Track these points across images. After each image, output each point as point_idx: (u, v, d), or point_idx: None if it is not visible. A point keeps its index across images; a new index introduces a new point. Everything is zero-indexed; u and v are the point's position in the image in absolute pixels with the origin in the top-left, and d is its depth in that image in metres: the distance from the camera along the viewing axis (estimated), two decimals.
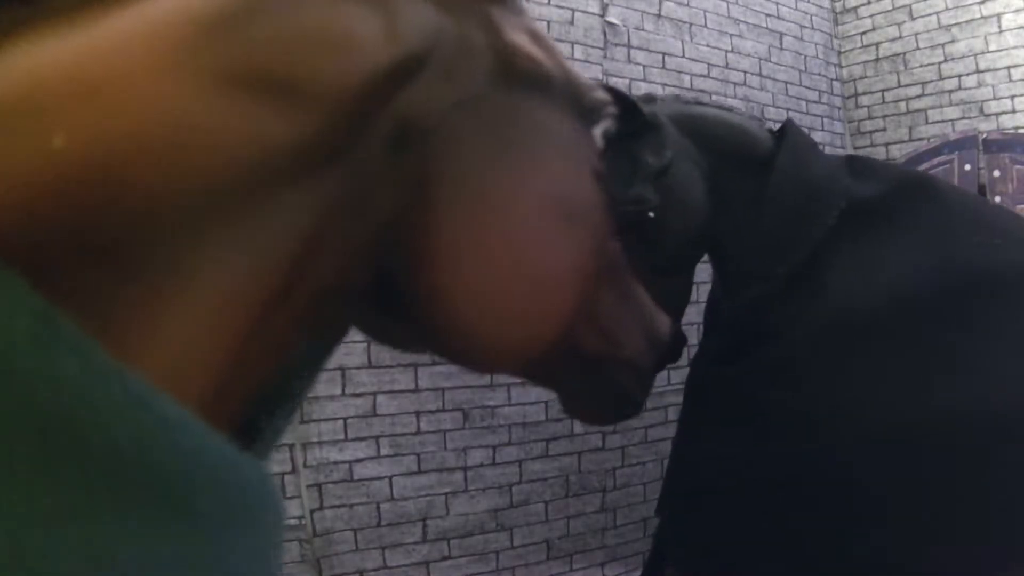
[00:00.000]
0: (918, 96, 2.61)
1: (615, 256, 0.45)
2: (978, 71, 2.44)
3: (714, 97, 2.40)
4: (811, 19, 2.73)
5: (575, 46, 2.12)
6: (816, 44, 2.73)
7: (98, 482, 0.19)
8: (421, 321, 0.35)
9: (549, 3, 2.08)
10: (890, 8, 2.67)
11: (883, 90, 2.71)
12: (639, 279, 1.24)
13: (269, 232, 0.26)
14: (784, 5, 2.64)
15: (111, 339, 0.20)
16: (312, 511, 1.74)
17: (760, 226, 1.13)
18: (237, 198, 0.24)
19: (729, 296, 1.27)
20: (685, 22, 2.37)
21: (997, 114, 2.39)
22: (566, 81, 0.39)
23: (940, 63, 2.54)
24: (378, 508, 1.82)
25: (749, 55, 2.50)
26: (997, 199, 2.25)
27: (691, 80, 2.35)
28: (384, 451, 1.82)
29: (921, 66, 2.59)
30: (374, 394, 1.81)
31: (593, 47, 2.16)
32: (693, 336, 1.60)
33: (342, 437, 1.78)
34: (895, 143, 2.67)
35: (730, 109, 1.28)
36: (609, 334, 0.46)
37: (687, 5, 2.37)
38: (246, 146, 0.24)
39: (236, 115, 0.24)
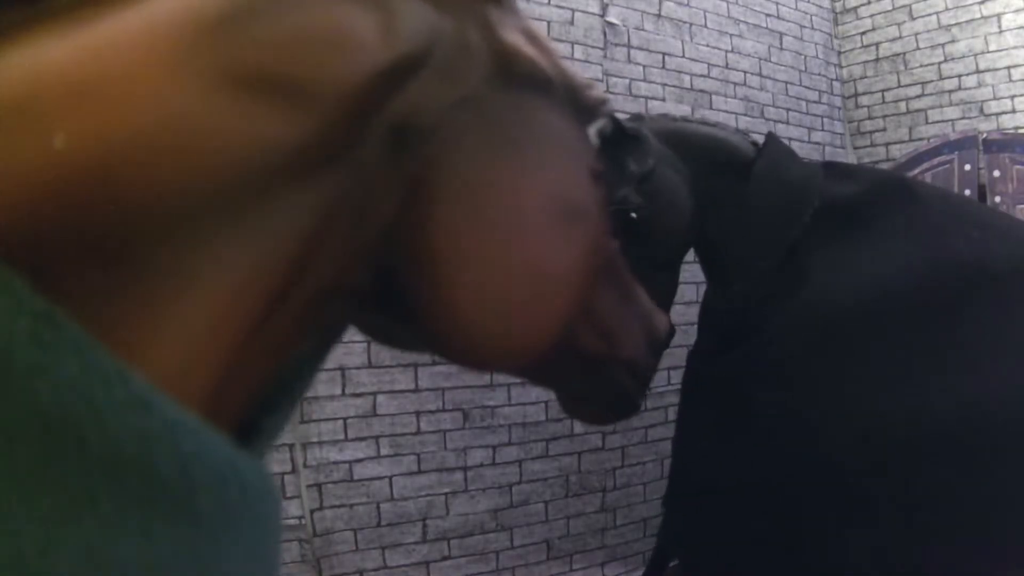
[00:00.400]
0: (918, 96, 2.61)
1: (614, 254, 0.46)
2: (978, 71, 2.44)
3: (714, 97, 2.40)
4: (811, 19, 2.73)
5: (575, 46, 2.12)
6: (816, 44, 2.73)
7: (98, 481, 0.19)
8: (423, 320, 0.35)
9: (549, 3, 2.08)
10: (890, 8, 2.67)
11: (883, 90, 2.71)
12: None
13: (269, 233, 0.26)
14: (784, 5, 2.64)
15: (112, 339, 0.20)
16: (312, 511, 1.74)
17: (741, 227, 1.22)
18: (237, 199, 0.24)
19: (715, 293, 1.34)
20: (685, 22, 2.36)
21: (997, 114, 2.39)
22: (563, 80, 0.40)
23: (940, 63, 2.54)
24: (378, 508, 1.82)
25: (749, 55, 2.50)
26: (997, 199, 2.25)
27: (691, 80, 2.35)
28: (384, 451, 1.82)
29: (921, 66, 2.59)
30: (374, 394, 1.81)
31: (593, 47, 2.16)
32: (694, 336, 1.60)
33: (342, 437, 1.78)
34: (895, 143, 2.67)
35: (715, 124, 1.37)
36: (609, 333, 0.46)
37: (687, 5, 2.37)
38: (247, 147, 0.24)
39: (237, 115, 0.24)
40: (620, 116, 1.32)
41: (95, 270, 0.21)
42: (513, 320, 0.37)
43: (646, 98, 2.24)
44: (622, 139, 1.22)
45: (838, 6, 2.83)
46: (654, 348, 0.52)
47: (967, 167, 2.33)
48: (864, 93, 2.77)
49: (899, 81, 2.66)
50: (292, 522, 1.71)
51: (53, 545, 0.17)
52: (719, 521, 1.17)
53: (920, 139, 2.57)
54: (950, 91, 2.51)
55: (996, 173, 2.28)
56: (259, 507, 0.25)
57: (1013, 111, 2.35)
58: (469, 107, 0.33)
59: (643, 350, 0.51)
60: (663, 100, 2.28)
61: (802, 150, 2.01)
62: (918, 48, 2.60)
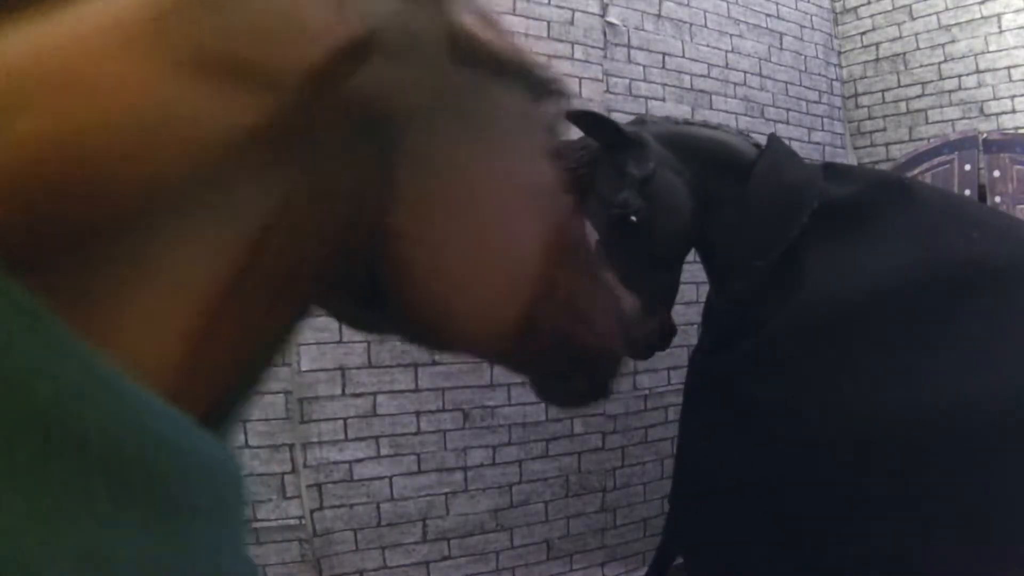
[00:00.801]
0: (918, 96, 2.61)
1: (580, 234, 0.46)
2: (978, 71, 2.44)
3: (714, 97, 2.40)
4: (811, 19, 2.73)
5: (575, 46, 2.12)
6: (816, 44, 2.73)
7: (93, 472, 0.20)
8: (394, 301, 0.35)
9: (549, 3, 2.08)
10: (890, 8, 2.67)
11: (883, 90, 2.71)
12: (630, 274, 1.27)
13: (234, 212, 0.26)
14: (784, 5, 2.64)
15: (83, 327, 0.21)
16: (312, 511, 1.74)
17: (741, 227, 1.23)
18: (201, 181, 0.25)
19: (716, 293, 1.35)
20: (685, 22, 2.36)
21: (997, 114, 2.39)
22: (518, 61, 0.40)
23: (940, 63, 2.54)
24: (378, 508, 1.82)
25: (749, 55, 2.50)
26: (997, 199, 2.25)
27: (691, 80, 2.35)
28: (384, 451, 1.82)
29: (921, 66, 2.59)
30: (374, 394, 1.81)
31: (593, 47, 2.16)
32: (694, 336, 1.60)
33: (342, 437, 1.78)
34: (895, 143, 2.67)
35: (716, 127, 1.38)
36: (579, 314, 0.46)
37: (687, 5, 2.37)
38: (210, 130, 0.25)
39: (200, 100, 0.24)
40: (622, 119, 1.34)
41: (67, 258, 0.22)
42: (483, 295, 0.37)
43: (646, 98, 2.24)
44: (623, 143, 1.23)
45: (838, 6, 2.83)
46: (624, 330, 0.52)
47: (967, 167, 2.33)
48: (864, 93, 2.77)
49: (899, 81, 2.66)
50: (292, 522, 1.71)
51: (12, 506, 0.18)
52: (720, 520, 1.18)
53: (920, 139, 2.57)
54: (950, 91, 2.51)
55: (996, 173, 2.28)
56: (224, 486, 0.25)
57: (1013, 111, 2.35)
58: (430, 90, 0.33)
59: (613, 331, 0.50)
60: (663, 100, 2.28)
61: (802, 150, 2.01)
62: (918, 48, 2.60)
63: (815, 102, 2.70)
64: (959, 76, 2.48)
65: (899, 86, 2.66)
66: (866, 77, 2.77)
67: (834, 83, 2.78)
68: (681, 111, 2.24)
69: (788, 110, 2.59)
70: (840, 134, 2.78)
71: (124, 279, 0.24)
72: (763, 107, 2.51)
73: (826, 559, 1.02)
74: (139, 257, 0.24)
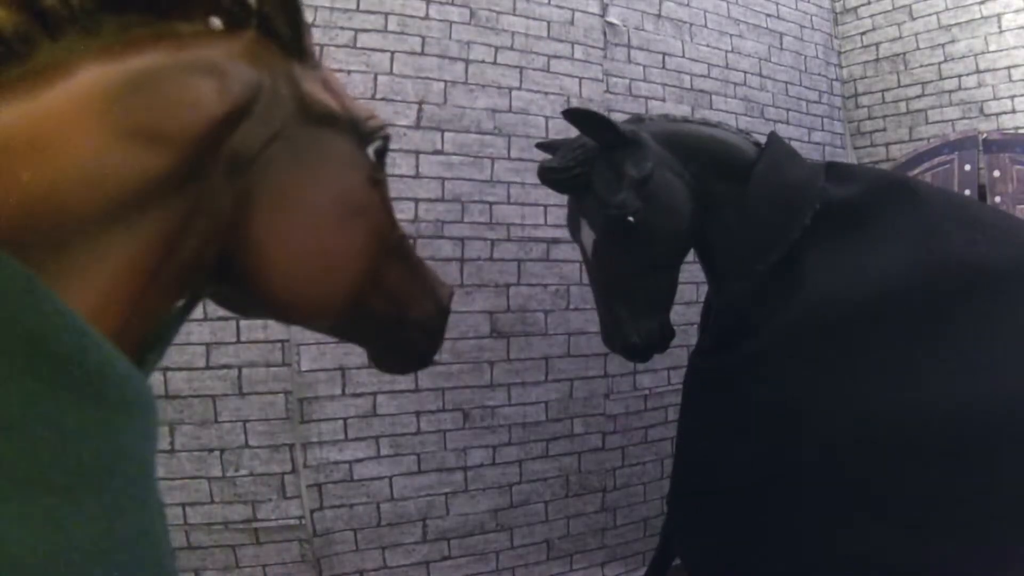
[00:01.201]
0: (918, 96, 2.61)
1: (399, 242, 0.63)
2: (978, 71, 2.44)
3: (714, 97, 2.40)
4: (811, 19, 2.73)
5: (575, 46, 2.12)
6: (816, 44, 2.73)
7: (54, 374, 0.32)
8: (252, 289, 0.51)
9: (549, 3, 2.08)
10: (890, 8, 2.67)
11: (883, 90, 2.71)
12: (627, 276, 1.28)
13: (150, 227, 0.41)
14: (784, 5, 2.64)
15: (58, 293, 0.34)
16: (312, 511, 1.74)
17: (741, 228, 1.21)
18: (128, 207, 0.39)
19: (715, 294, 1.33)
20: (685, 22, 2.36)
21: (997, 114, 2.39)
22: (348, 115, 0.56)
23: (940, 63, 2.53)
24: (378, 508, 1.82)
25: (749, 55, 2.50)
26: (997, 199, 2.25)
27: (691, 80, 2.35)
28: (384, 451, 1.82)
29: (921, 66, 2.59)
30: (374, 394, 1.81)
31: (593, 47, 2.16)
32: (694, 336, 1.60)
33: (342, 437, 1.78)
34: (895, 143, 2.67)
35: (716, 124, 1.35)
36: (398, 299, 0.63)
37: (687, 5, 2.37)
38: (134, 176, 0.39)
39: (128, 156, 0.39)
40: (621, 119, 1.32)
41: (45, 252, 0.35)
42: (313, 288, 0.53)
43: (646, 98, 2.24)
44: (620, 143, 1.21)
45: (838, 6, 2.83)
46: (441, 313, 0.69)
47: (967, 167, 2.33)
48: (864, 93, 2.77)
49: (899, 81, 2.66)
50: (292, 522, 1.71)
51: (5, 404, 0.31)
52: (720, 521, 1.17)
53: (920, 139, 2.57)
54: (950, 91, 2.51)
55: (996, 173, 2.28)
56: (146, 408, 0.39)
57: (1013, 111, 2.35)
58: (279, 139, 0.49)
59: (431, 312, 0.67)
60: (663, 100, 2.27)
61: (802, 150, 2.01)
62: (918, 48, 2.60)
63: (815, 102, 2.70)
64: (959, 76, 2.48)
65: (899, 86, 2.66)
66: (866, 77, 2.77)
67: (834, 83, 2.78)
68: (681, 111, 2.24)
69: (788, 110, 2.59)
70: (840, 134, 2.78)
71: (83, 266, 0.37)
72: (763, 107, 2.51)
73: (826, 559, 1.02)
74: (92, 252, 0.37)
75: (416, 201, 1.86)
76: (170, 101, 0.42)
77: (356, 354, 1.79)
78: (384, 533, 1.82)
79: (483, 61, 1.96)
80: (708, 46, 2.40)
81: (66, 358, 0.33)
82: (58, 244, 0.36)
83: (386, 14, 1.84)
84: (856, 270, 1.08)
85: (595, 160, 1.23)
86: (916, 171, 2.40)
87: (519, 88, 2.01)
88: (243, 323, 1.67)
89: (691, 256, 1.35)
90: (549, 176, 1.26)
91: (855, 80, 2.80)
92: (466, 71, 1.94)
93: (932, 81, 2.56)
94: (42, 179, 0.35)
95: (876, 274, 1.06)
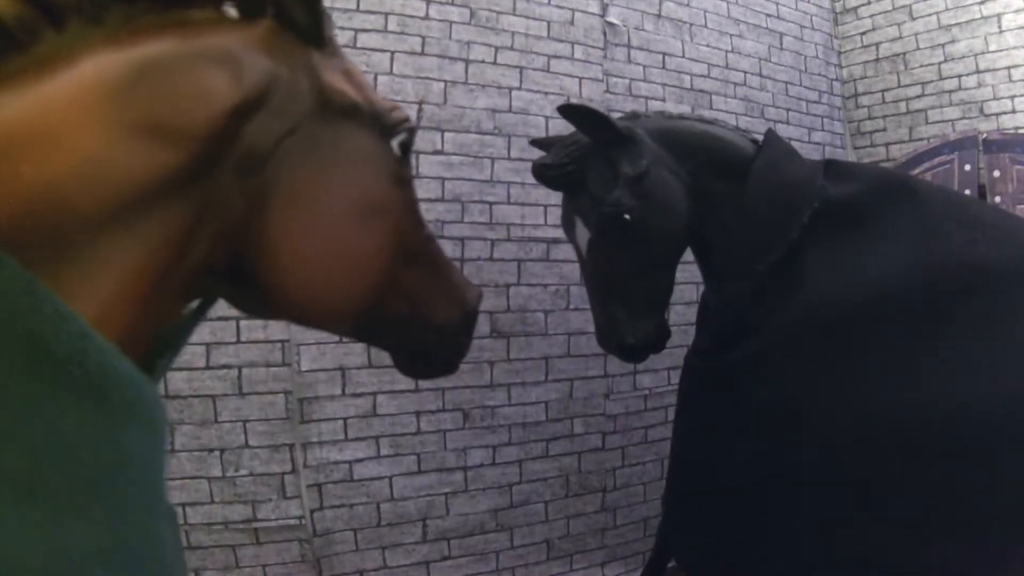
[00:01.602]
0: (918, 96, 2.61)
1: (422, 241, 0.59)
2: (978, 71, 2.44)
3: (714, 97, 2.40)
4: (811, 19, 2.73)
5: (575, 46, 2.12)
6: (816, 44, 2.73)
7: (56, 377, 0.31)
8: (265, 291, 0.48)
9: (549, 3, 2.08)
10: (890, 8, 2.67)
11: (883, 90, 2.71)
12: (623, 275, 1.26)
13: (157, 228, 0.39)
14: (784, 5, 2.64)
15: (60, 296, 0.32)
16: (312, 511, 1.74)
17: (739, 227, 1.20)
18: (136, 206, 0.37)
19: (713, 294, 1.32)
20: (685, 22, 2.36)
21: (997, 114, 2.39)
22: (370, 107, 0.52)
23: (940, 63, 2.53)
24: (378, 508, 1.82)
25: (749, 55, 2.50)
26: (997, 199, 2.25)
27: (691, 80, 2.35)
28: (384, 451, 1.82)
29: (921, 66, 2.59)
30: (374, 394, 1.81)
31: (593, 47, 2.16)
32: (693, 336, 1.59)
33: (342, 437, 1.78)
34: (895, 143, 2.67)
35: (713, 122, 1.33)
36: (418, 303, 0.59)
37: (687, 5, 2.37)
38: (141, 172, 0.37)
39: (133, 151, 0.36)
40: (616, 114, 1.31)
41: (47, 252, 0.33)
42: (329, 291, 0.50)
43: (646, 98, 2.24)
44: (616, 139, 1.20)
45: (838, 6, 2.83)
46: (466, 318, 0.65)
47: (967, 167, 2.33)
48: (864, 93, 2.77)
49: (899, 81, 2.66)
50: (292, 522, 1.71)
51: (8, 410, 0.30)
52: (718, 521, 1.17)
53: (920, 139, 2.57)
54: (950, 91, 2.51)
55: (996, 173, 2.28)
56: (151, 411, 0.37)
57: (1013, 111, 2.35)
58: (297, 134, 0.46)
59: (455, 317, 0.63)
60: (663, 100, 2.27)
61: (802, 150, 2.00)
62: (918, 48, 2.60)
63: (815, 102, 2.70)
64: (959, 76, 2.48)
65: (899, 86, 2.66)
66: (866, 77, 2.77)
67: (834, 83, 2.78)
68: (681, 111, 2.24)
69: (788, 110, 2.59)
70: (840, 134, 2.78)
71: (87, 267, 0.35)
72: (763, 107, 2.51)
73: (825, 559, 1.02)
74: (96, 252, 0.36)
75: None
76: (179, 93, 0.39)
77: (356, 354, 1.79)
78: (384, 533, 1.82)
79: (483, 61, 1.96)
80: (708, 46, 2.40)
81: (66, 360, 0.31)
82: (60, 243, 0.34)
83: (386, 14, 1.84)
84: (856, 270, 1.08)
85: (590, 157, 1.21)
86: (916, 171, 2.40)
87: (519, 88, 2.01)
88: (243, 323, 1.67)
89: (690, 256, 1.35)
90: (543, 173, 1.25)
91: (855, 80, 2.80)
92: (466, 71, 1.94)
93: (932, 81, 2.56)
94: (43, 175, 0.33)
95: (876, 274, 1.06)
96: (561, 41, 2.09)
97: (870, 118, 2.76)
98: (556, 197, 1.78)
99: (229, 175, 0.42)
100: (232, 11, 0.47)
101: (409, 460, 1.85)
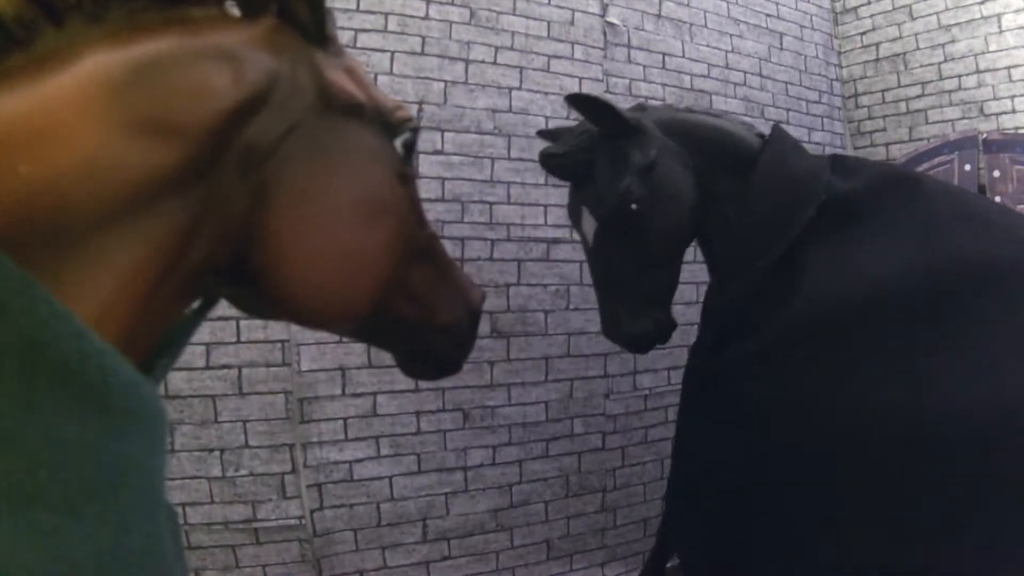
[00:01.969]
0: (918, 96, 2.61)
1: (426, 241, 0.58)
2: (978, 71, 2.44)
3: (714, 97, 2.40)
4: (811, 19, 2.73)
5: (575, 46, 2.12)
6: (816, 44, 2.73)
7: (51, 381, 0.30)
8: (268, 290, 0.47)
9: (549, 3, 2.08)
10: (890, 8, 2.67)
11: (883, 90, 2.71)
12: (627, 270, 1.25)
13: (158, 226, 0.38)
14: (784, 5, 2.64)
15: (57, 295, 0.31)
16: (312, 511, 1.74)
17: (744, 222, 1.19)
18: (136, 204, 0.36)
19: (716, 290, 1.31)
20: (685, 22, 2.36)
21: (997, 114, 2.39)
22: (374, 106, 0.52)
23: (940, 63, 2.53)
24: (378, 508, 1.82)
25: (749, 55, 2.50)
26: (997, 199, 2.25)
27: (691, 80, 2.35)
28: (384, 451, 1.82)
29: (921, 66, 2.59)
30: (374, 394, 1.81)
31: (593, 47, 2.16)
32: (694, 336, 1.60)
33: (342, 437, 1.78)
34: (895, 143, 2.67)
35: (720, 115, 1.32)
36: (424, 303, 0.58)
37: (687, 5, 2.37)
38: (141, 170, 0.36)
39: (134, 149, 0.36)
40: (623, 107, 1.29)
41: (45, 251, 0.33)
42: (332, 292, 0.49)
43: (646, 98, 2.24)
44: (624, 131, 1.19)
45: (838, 6, 2.83)
46: (471, 318, 0.65)
47: (967, 167, 2.33)
48: (864, 93, 2.77)
49: (899, 81, 2.66)
50: (292, 522, 1.71)
51: (12, 418, 0.29)
52: (718, 520, 1.17)
53: (920, 139, 2.57)
54: (950, 91, 2.51)
55: (996, 173, 2.28)
56: (151, 412, 0.36)
57: (1013, 111, 2.35)
58: (299, 131, 0.45)
59: (460, 317, 0.63)
60: (663, 100, 2.27)
61: None
62: (918, 48, 2.60)
63: (815, 102, 2.70)
64: (959, 76, 2.48)
65: (899, 86, 2.66)
66: (866, 77, 2.77)
67: (834, 83, 2.78)
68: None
69: (788, 110, 2.59)
70: (840, 134, 2.78)
71: (85, 267, 0.34)
72: (763, 107, 2.51)
73: (825, 560, 1.02)
74: (95, 253, 0.35)
75: None
76: (179, 90, 0.39)
77: (356, 354, 1.79)
78: (384, 533, 1.82)
79: (483, 61, 1.96)
80: (708, 46, 2.40)
81: (64, 365, 0.31)
82: (58, 243, 0.33)
83: (386, 14, 1.84)
84: (857, 269, 1.07)
85: (598, 147, 1.21)
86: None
87: (519, 88, 2.02)
88: (243, 323, 1.67)
89: (691, 255, 1.34)
90: (551, 162, 1.24)
91: (855, 80, 2.80)
92: (466, 71, 1.94)
93: (932, 81, 2.56)
94: (41, 173, 0.32)
95: (877, 273, 1.05)
96: (561, 41, 2.09)
97: (870, 118, 2.76)
98: (556, 197, 1.78)
99: (230, 174, 0.42)
100: (234, 9, 0.47)
101: (409, 460, 1.85)
